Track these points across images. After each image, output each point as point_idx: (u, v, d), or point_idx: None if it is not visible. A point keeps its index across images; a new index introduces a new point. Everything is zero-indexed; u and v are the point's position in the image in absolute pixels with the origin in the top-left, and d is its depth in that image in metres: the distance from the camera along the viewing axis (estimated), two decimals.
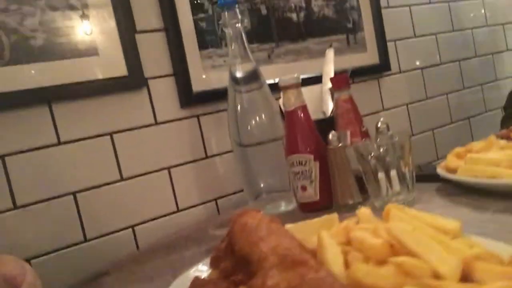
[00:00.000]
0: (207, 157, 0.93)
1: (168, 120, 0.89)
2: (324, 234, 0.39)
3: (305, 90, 0.84)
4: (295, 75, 0.75)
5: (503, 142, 0.69)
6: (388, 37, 1.22)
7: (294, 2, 1.05)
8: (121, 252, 0.80)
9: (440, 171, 0.69)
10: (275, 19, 1.02)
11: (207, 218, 0.90)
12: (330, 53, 0.90)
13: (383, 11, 1.21)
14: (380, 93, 1.22)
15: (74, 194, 0.78)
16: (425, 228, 0.37)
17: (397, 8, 1.26)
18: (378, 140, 0.71)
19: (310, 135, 0.74)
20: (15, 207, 0.73)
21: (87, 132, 0.80)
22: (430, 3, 1.34)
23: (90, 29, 0.80)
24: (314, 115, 0.82)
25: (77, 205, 0.78)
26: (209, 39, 0.92)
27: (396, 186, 0.66)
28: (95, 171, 0.80)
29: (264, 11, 1.00)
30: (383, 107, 1.23)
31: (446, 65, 1.37)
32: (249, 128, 0.78)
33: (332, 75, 0.87)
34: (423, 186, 0.72)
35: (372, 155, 0.67)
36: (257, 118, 0.79)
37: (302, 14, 1.06)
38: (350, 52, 1.15)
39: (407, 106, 1.28)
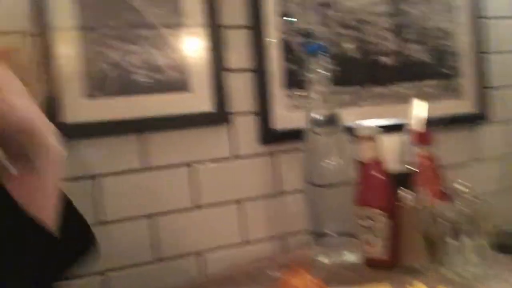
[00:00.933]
0: (280, 193, 0.95)
1: (247, 155, 0.93)
2: None
3: (386, 138, 0.83)
4: (374, 126, 0.74)
5: None
6: (493, 84, 1.14)
7: (386, 46, 1.03)
8: (181, 276, 0.84)
9: None
10: (365, 62, 1.02)
11: (272, 255, 0.91)
12: (415, 103, 0.87)
13: (489, 57, 1.13)
14: (473, 144, 1.14)
15: (150, 216, 0.85)
16: None
17: (503, 54, 1.17)
18: (456, 204, 0.67)
19: (382, 190, 0.72)
20: (101, 222, 0.82)
21: (169, 160, 0.86)
22: None
23: (185, 67, 0.87)
24: (392, 166, 0.80)
25: (152, 227, 0.85)
26: (295, 79, 0.95)
27: (470, 256, 0.62)
28: (170, 197, 0.87)
29: (353, 54, 1.00)
30: (474, 158, 1.14)
31: None
32: (321, 169, 0.79)
33: (416, 127, 0.84)
34: (506, 260, 0.67)
35: (447, 219, 0.64)
36: (331, 161, 0.79)
37: (393, 58, 1.04)
38: (443, 98, 1.09)
39: (503, 158, 1.17)
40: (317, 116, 0.80)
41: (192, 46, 0.88)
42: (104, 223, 0.81)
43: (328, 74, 0.81)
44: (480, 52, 1.12)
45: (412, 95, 1.05)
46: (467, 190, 0.68)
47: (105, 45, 0.81)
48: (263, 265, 0.82)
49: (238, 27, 0.92)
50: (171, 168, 0.87)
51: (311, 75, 0.81)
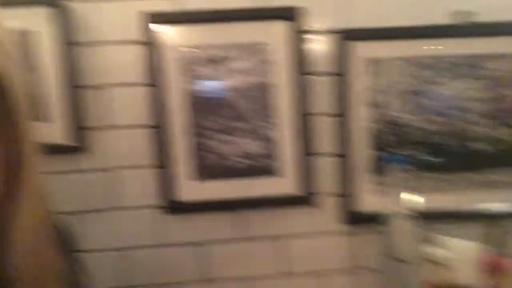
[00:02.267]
0: (357, 269, 1.03)
1: (328, 232, 1.02)
2: None
3: (462, 245, 0.86)
4: (449, 255, 0.77)
5: None
6: None
7: (478, 131, 1.01)
8: None
9: None
10: (454, 147, 1.01)
11: None
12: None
13: None
14: None
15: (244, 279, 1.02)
16: None
17: None
18: None
19: None
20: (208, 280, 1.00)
21: (256, 233, 1.01)
22: None
23: (276, 154, 0.98)
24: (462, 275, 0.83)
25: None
26: (379, 166, 0.99)
27: None
28: (263, 265, 1.01)
29: (447, 141, 1.00)
30: None
31: None
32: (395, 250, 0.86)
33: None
34: None
35: None
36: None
37: (486, 143, 1.01)
38: None
39: None
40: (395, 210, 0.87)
41: (281, 135, 0.98)
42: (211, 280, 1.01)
43: (406, 180, 0.86)
44: None
45: (506, 181, 1.02)
46: None
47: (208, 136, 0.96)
48: None
49: (326, 114, 1.00)
50: (260, 240, 1.01)
51: (391, 179, 0.87)
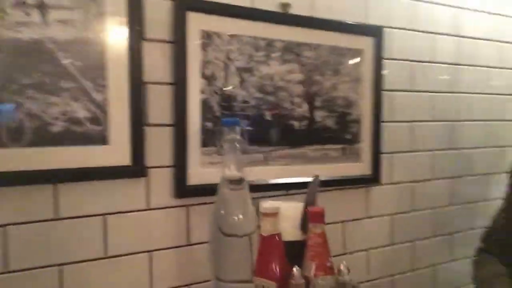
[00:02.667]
0: (189, 244, 1.01)
1: (159, 207, 0.97)
2: None
3: (288, 205, 0.93)
4: (276, 205, 0.82)
5: None
6: (385, 149, 1.29)
7: (298, 112, 1.13)
8: None
9: None
10: (277, 125, 1.10)
11: None
12: (317, 182, 0.97)
13: (384, 125, 1.28)
14: (367, 202, 1.29)
15: (61, 265, 0.86)
16: None
17: (399, 123, 1.33)
18: (337, 281, 0.78)
19: (278, 263, 0.80)
20: (7, 271, 0.81)
21: (84, 211, 0.89)
22: (433, 120, 1.41)
23: (105, 121, 0.89)
24: (290, 232, 0.90)
25: (62, 277, 0.86)
26: (212, 138, 1.01)
27: None
28: (82, 247, 0.89)
29: (268, 117, 1.09)
30: (368, 215, 1.29)
31: (438, 181, 1.43)
32: (228, 221, 0.86)
33: (314, 204, 0.94)
34: None
35: None
36: (237, 213, 0.86)
37: (304, 123, 1.14)
38: (345, 161, 1.22)
39: (392, 216, 1.34)
40: (228, 176, 0.88)
41: (115, 102, 0.90)
42: (14, 271, 0.82)
43: (241, 143, 0.89)
44: (377, 121, 1.26)
45: (317, 156, 1.16)
46: (346, 271, 0.79)
47: (24, 95, 0.81)
48: None
49: (161, 83, 0.96)
50: (84, 218, 0.89)
51: (225, 145, 0.88)
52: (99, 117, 0.89)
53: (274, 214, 0.81)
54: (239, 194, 0.88)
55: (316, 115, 1.17)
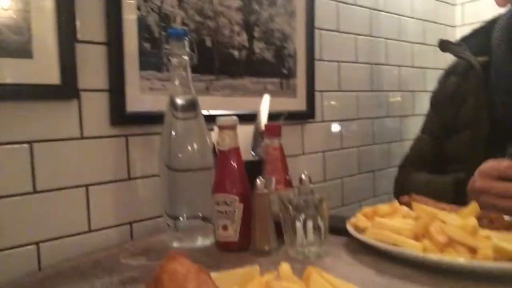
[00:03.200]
0: (129, 178, 0.91)
1: (95, 136, 0.86)
2: None
3: (239, 128, 0.88)
4: (234, 117, 0.78)
5: (405, 209, 0.78)
6: (316, 87, 1.31)
7: (238, 40, 1.09)
8: (21, 270, 0.74)
9: (350, 228, 0.76)
10: (218, 53, 1.05)
11: (119, 243, 0.87)
12: (266, 98, 0.95)
13: (316, 63, 1.30)
14: (303, 138, 1.30)
15: None
16: None
17: (328, 62, 1.36)
18: (300, 191, 0.76)
19: (239, 177, 0.76)
20: None
21: (5, 137, 0.75)
22: (357, 62, 1.47)
23: (28, 30, 0.76)
24: (244, 155, 0.86)
25: None
26: (152, 61, 0.92)
27: (311, 237, 0.72)
28: (7, 179, 0.75)
29: (209, 43, 1.03)
30: (303, 152, 1.30)
31: (362, 121, 1.50)
32: (180, 154, 0.80)
33: (265, 120, 0.92)
34: (333, 239, 0.79)
35: (293, 205, 0.72)
36: (190, 146, 0.80)
37: (243, 53, 1.10)
38: (282, 96, 1.21)
39: (323, 153, 1.37)
40: (178, 101, 0.80)
41: (39, 9, 0.77)
42: None
43: (189, 59, 0.82)
44: (311, 58, 1.27)
45: (257, 89, 1.13)
46: (307, 179, 0.78)
47: None
48: (114, 253, 0.78)
49: None
50: (6, 146, 0.75)
51: (174, 60, 0.80)
52: (20, 25, 0.75)
53: (232, 126, 0.77)
54: (190, 123, 0.81)
55: (255, 46, 1.13)
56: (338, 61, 1.40)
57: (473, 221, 0.63)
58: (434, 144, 1.06)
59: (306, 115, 1.28)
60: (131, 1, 0.89)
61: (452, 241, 0.62)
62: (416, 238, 0.65)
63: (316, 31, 1.30)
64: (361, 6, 1.47)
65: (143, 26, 0.91)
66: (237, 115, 1.05)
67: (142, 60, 0.91)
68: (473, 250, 0.60)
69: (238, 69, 1.10)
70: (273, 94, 1.17)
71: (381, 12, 1.55)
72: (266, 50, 1.16)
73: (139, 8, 0.90)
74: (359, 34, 1.47)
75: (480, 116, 0.93)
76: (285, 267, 0.51)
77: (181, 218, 0.80)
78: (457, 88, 1.02)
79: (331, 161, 1.39)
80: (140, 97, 0.91)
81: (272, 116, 1.05)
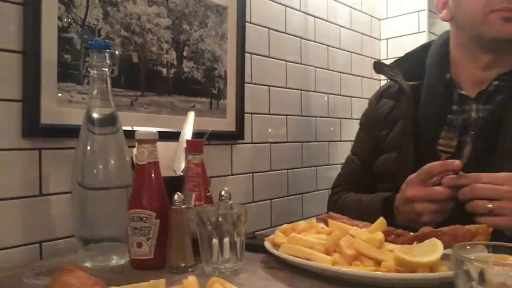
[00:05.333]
0: (41, 194, 0.86)
1: (4, 148, 0.81)
2: None
3: (161, 144, 0.87)
4: (154, 131, 0.77)
5: (321, 225, 0.81)
6: (246, 109, 1.33)
7: (166, 58, 1.09)
8: None
9: (267, 244, 0.76)
10: (144, 69, 1.04)
11: (27, 263, 0.81)
12: (191, 115, 0.95)
13: (247, 86, 1.33)
14: (231, 159, 1.31)
15: None
16: None
17: (259, 86, 1.40)
18: (218, 208, 0.76)
19: (156, 192, 0.75)
20: None
21: None
22: (286, 87, 1.52)
23: None
24: (166, 172, 0.84)
25: None
26: (72, 73, 0.89)
27: (227, 253, 0.71)
28: None
29: (135, 59, 1.02)
30: (231, 172, 1.31)
31: (291, 144, 1.54)
32: (94, 171, 0.77)
33: (189, 137, 0.91)
34: (251, 256, 0.79)
35: (210, 221, 0.71)
36: (105, 163, 0.77)
37: (172, 71, 1.10)
38: (211, 115, 1.22)
39: (252, 174, 1.38)
40: (95, 115, 0.78)
41: None
42: None
43: (110, 73, 0.80)
44: (241, 80, 1.29)
45: (185, 108, 1.13)
46: (227, 196, 0.78)
47: None
48: (18, 273, 0.72)
49: (9, 1, 0.81)
50: None
51: (93, 72, 0.78)
52: None
53: (151, 140, 0.75)
54: (108, 138, 0.79)
55: (185, 65, 1.13)
56: (268, 85, 1.44)
57: (379, 236, 0.67)
58: (365, 164, 1.09)
59: (235, 136, 1.30)
60: (52, 11, 0.86)
61: (359, 254, 0.64)
62: (328, 252, 0.67)
63: (248, 55, 1.33)
64: (292, 34, 1.53)
65: (64, 37, 0.88)
66: (163, 133, 1.05)
67: (61, 72, 0.87)
68: (378, 263, 0.63)
69: (165, 87, 1.09)
70: (202, 113, 1.18)
71: (311, 42, 1.63)
72: (196, 70, 1.17)
73: (60, 19, 0.88)
74: (289, 61, 1.52)
75: (405, 140, 0.96)
76: (191, 279, 0.50)
77: (95, 239, 0.77)
78: (390, 110, 1.05)
79: (260, 182, 1.41)
80: (57, 110, 0.87)
81: (196, 134, 1.05)
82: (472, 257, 0.42)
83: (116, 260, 0.78)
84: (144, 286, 0.50)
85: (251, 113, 1.36)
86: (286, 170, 1.52)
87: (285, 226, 0.81)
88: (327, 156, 1.72)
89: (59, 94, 0.87)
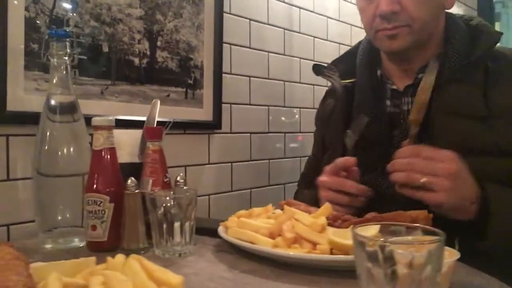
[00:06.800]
0: (8, 179, 0.89)
1: None
2: (52, 276, 0.42)
3: (126, 132, 0.89)
4: (110, 118, 0.79)
5: (277, 211, 0.82)
6: (225, 99, 1.34)
7: (138, 48, 1.11)
8: None
9: (220, 228, 0.78)
10: (116, 58, 1.06)
11: None
12: (155, 104, 0.96)
13: (225, 76, 1.34)
14: (209, 148, 1.32)
15: None
16: (145, 281, 0.43)
17: (238, 76, 1.41)
18: (171, 193, 0.78)
19: (111, 177, 0.77)
20: None
21: None
22: (268, 78, 1.53)
23: None
24: (129, 158, 0.87)
25: None
26: (40, 62, 0.91)
27: (177, 237, 0.73)
28: None
29: (105, 49, 1.04)
30: (209, 161, 1.33)
31: (273, 135, 1.55)
32: (53, 158, 0.79)
33: (154, 124, 0.93)
34: (207, 240, 0.81)
35: (161, 205, 0.73)
36: (64, 150, 0.80)
37: (144, 61, 1.12)
38: (187, 105, 1.23)
39: (231, 164, 1.40)
40: (54, 102, 0.80)
41: None
42: None
43: (71, 61, 0.82)
44: (219, 70, 1.31)
45: (158, 97, 1.15)
46: (182, 181, 0.80)
47: None
48: None
49: None
50: None
51: (54, 60, 0.81)
52: None
53: (107, 127, 0.77)
54: (67, 126, 0.81)
55: (158, 55, 1.15)
56: (249, 76, 1.45)
57: (322, 220, 0.68)
58: (318, 162, 1.10)
59: (212, 126, 1.31)
60: (19, 2, 0.88)
61: (299, 238, 0.66)
62: (272, 236, 0.69)
63: (227, 46, 1.35)
64: (274, 25, 1.54)
65: (31, 27, 0.90)
66: (135, 121, 1.07)
67: (28, 60, 0.90)
68: (316, 246, 0.64)
69: (137, 76, 1.11)
70: (177, 103, 1.20)
71: (295, 33, 1.63)
72: (170, 60, 1.18)
73: (27, 9, 0.90)
74: (272, 52, 1.53)
75: (337, 139, 0.97)
76: (116, 258, 0.52)
77: (55, 224, 0.79)
78: (332, 109, 1.05)
79: (240, 172, 1.43)
80: (24, 97, 0.90)
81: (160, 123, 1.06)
82: (367, 236, 0.43)
83: (76, 243, 0.80)
84: (72, 263, 0.52)
85: (230, 103, 1.38)
86: (268, 160, 1.54)
87: (241, 211, 0.83)
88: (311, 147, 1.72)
89: (26, 83, 0.90)
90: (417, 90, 0.86)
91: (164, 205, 0.73)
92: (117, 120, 1.03)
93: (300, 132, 1.67)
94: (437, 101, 0.84)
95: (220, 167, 1.36)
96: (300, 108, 1.67)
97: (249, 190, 1.47)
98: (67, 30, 0.80)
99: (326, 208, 0.72)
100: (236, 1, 1.38)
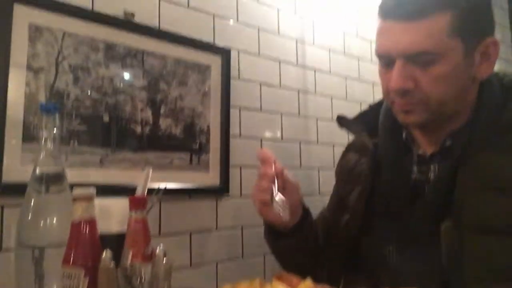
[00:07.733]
0: (1, 250, 0.90)
1: None
2: None
3: (116, 201, 0.88)
4: (90, 189, 0.78)
5: (267, 285, 0.76)
6: (235, 162, 1.32)
7: (142, 116, 1.13)
8: None
9: None
10: (116, 127, 1.08)
11: None
12: (147, 172, 0.95)
13: (234, 139, 1.33)
14: (217, 213, 1.29)
15: None
16: None
17: (249, 139, 1.40)
18: (147, 266, 0.75)
19: (88, 250, 0.75)
20: None
21: None
22: (282, 140, 1.50)
23: None
24: (119, 226, 0.85)
25: None
26: (36, 133, 0.95)
27: None
28: None
29: (106, 118, 1.06)
30: (216, 227, 1.29)
31: None
32: (34, 230, 0.79)
33: (144, 193, 0.92)
34: None
35: (138, 280, 0.70)
36: (47, 221, 0.79)
37: (147, 128, 1.14)
38: (192, 170, 1.22)
39: (242, 228, 1.35)
40: (40, 173, 0.81)
41: None
42: None
43: (59, 133, 0.84)
44: (226, 134, 1.30)
45: (161, 164, 1.15)
46: (162, 254, 0.77)
47: None
48: None
49: None
50: None
51: (42, 132, 0.83)
52: None
53: (86, 198, 0.77)
54: (52, 197, 0.82)
55: (161, 122, 1.17)
56: (260, 138, 1.43)
57: None
58: (323, 218, 1.03)
59: (220, 190, 1.29)
60: (20, 77, 0.94)
61: None
62: None
63: (236, 110, 1.35)
64: (287, 88, 1.54)
65: (31, 100, 0.95)
66: (134, 188, 1.06)
67: (26, 133, 0.93)
68: None
69: (139, 144, 1.12)
70: (181, 168, 1.19)
71: (310, 95, 1.62)
72: (174, 126, 1.20)
73: (28, 84, 0.95)
74: (285, 113, 1.52)
75: (358, 206, 0.90)
76: None
77: None
78: (355, 166, 0.97)
79: (250, 237, 1.37)
80: (21, 168, 0.92)
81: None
82: None
83: None
84: None
85: (238, 166, 1.36)
86: None
87: (226, 286, 0.78)
88: None
89: (24, 154, 0.93)
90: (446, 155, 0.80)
91: (139, 278, 0.69)
92: (116, 187, 1.05)
93: (311, 195, 1.60)
94: (462, 173, 0.77)
95: (229, 232, 1.32)
96: (317, 168, 1.61)
97: (263, 257, 1.40)
98: (56, 104, 0.83)
99: (308, 285, 0.66)
100: (245, 67, 1.40)
